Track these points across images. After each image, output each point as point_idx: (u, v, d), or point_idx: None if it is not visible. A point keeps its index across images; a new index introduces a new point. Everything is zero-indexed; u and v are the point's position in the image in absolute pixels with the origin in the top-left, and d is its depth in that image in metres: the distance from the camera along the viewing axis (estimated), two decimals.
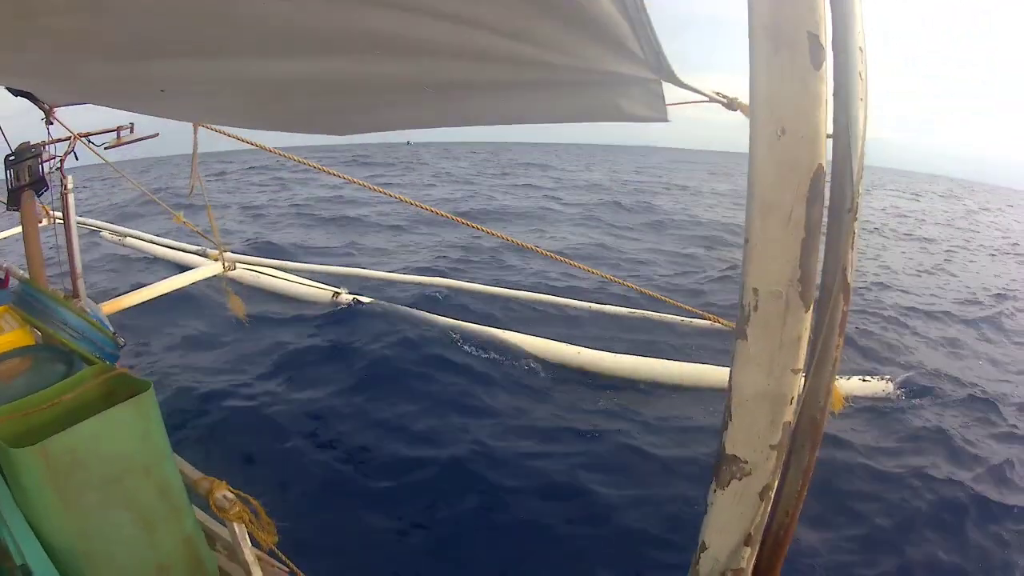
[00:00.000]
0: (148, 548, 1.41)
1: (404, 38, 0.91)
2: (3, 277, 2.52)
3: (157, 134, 3.21)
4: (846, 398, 4.08)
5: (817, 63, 0.73)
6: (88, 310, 2.11)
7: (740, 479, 0.81)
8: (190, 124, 2.33)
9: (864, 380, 4.33)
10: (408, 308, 5.11)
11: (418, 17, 0.87)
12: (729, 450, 0.79)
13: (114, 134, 3.02)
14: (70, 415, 1.35)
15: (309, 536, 2.49)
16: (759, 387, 0.76)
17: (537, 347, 4.51)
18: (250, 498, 1.51)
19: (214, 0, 0.90)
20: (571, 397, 4.11)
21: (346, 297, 5.26)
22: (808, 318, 0.75)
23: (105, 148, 3.01)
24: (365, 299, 5.25)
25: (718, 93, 0.95)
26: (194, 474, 1.55)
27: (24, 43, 1.13)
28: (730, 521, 0.83)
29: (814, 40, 0.73)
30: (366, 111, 1.37)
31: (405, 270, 6.37)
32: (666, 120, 1.09)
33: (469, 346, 4.63)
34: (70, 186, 3.14)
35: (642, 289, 3.85)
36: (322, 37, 0.93)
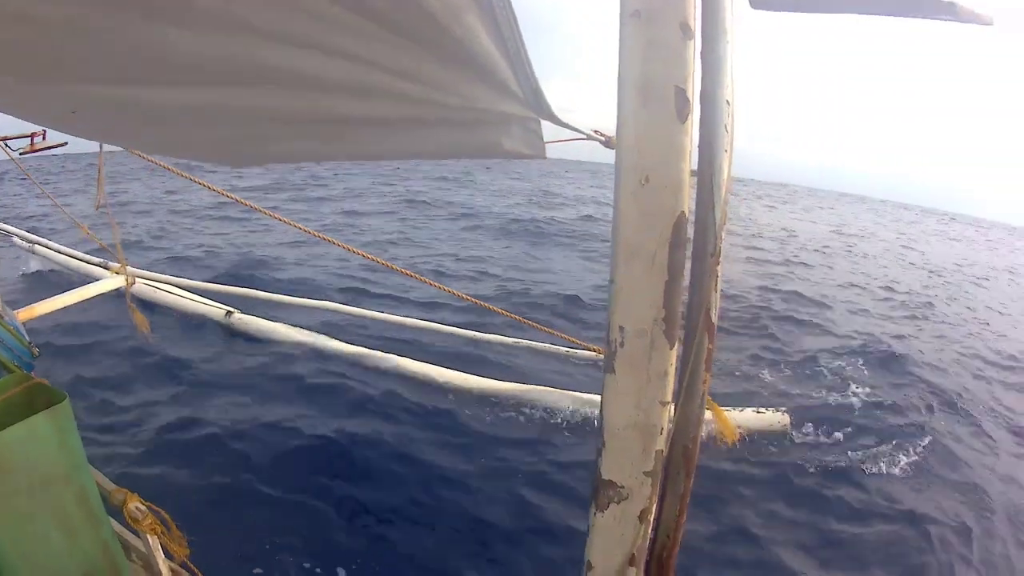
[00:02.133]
0: (72, 555, 1.47)
1: (294, 73, 0.97)
2: None
3: (66, 143, 3.24)
4: (740, 429, 4.12)
5: (683, 116, 0.78)
6: (4, 316, 2.16)
7: (618, 503, 0.86)
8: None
9: (759, 412, 4.30)
10: (299, 329, 5.18)
11: (309, 53, 0.93)
12: (605, 475, 0.85)
13: (28, 140, 3.06)
14: None
15: (221, 549, 2.57)
16: (629, 418, 0.81)
17: (427, 373, 4.61)
18: (161, 510, 1.56)
19: (111, 28, 0.93)
20: (472, 422, 4.20)
21: (239, 316, 5.32)
22: (673, 355, 0.80)
23: (21, 154, 3.07)
24: (258, 319, 5.33)
25: (596, 131, 1.00)
26: (108, 485, 1.59)
27: None
28: (612, 542, 0.88)
29: (680, 94, 0.78)
30: (258, 143, 1.43)
31: (303, 291, 6.36)
32: (544, 157, 1.15)
33: (358, 370, 4.72)
34: None
35: (529, 322, 4.07)
36: (217, 68, 0.98)
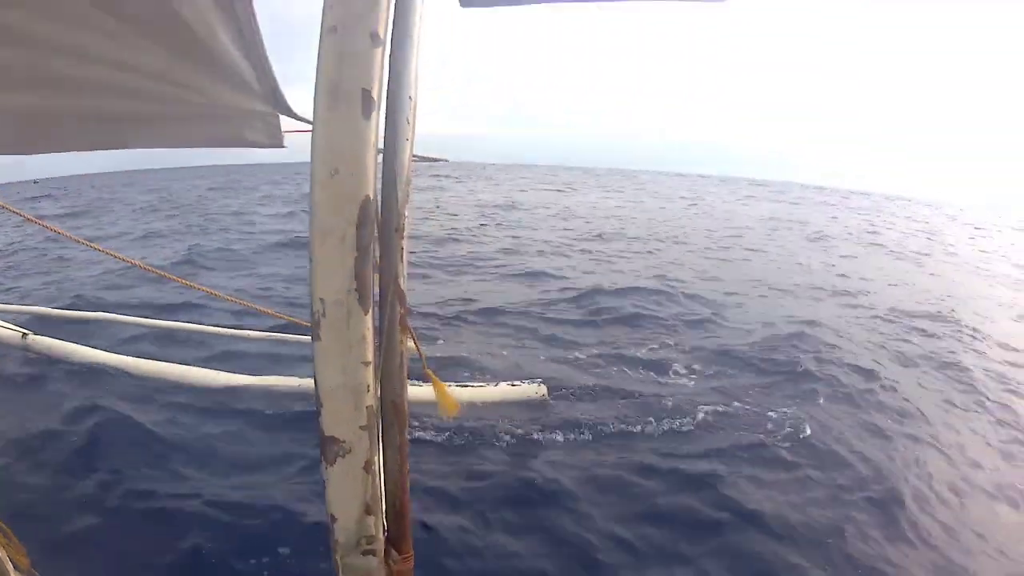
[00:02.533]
0: None
1: (71, 78, 1.11)
2: None
3: None
4: (497, 403, 4.42)
5: (367, 114, 0.91)
6: None
7: (344, 456, 0.97)
8: None
9: (513, 385, 4.47)
10: (96, 349, 5.27)
11: (82, 61, 1.06)
12: (328, 432, 0.96)
13: None
14: None
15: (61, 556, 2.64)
16: (338, 379, 0.93)
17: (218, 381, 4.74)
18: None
19: None
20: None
21: (35, 338, 5.28)
22: (369, 320, 0.92)
23: None
24: (55, 340, 5.34)
25: None
26: None
27: None
28: (347, 494, 0.99)
29: (367, 95, 0.91)
30: (46, 136, 1.55)
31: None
32: (283, 147, 1.30)
33: (152, 385, 4.86)
34: None
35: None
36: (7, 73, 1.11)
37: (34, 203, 23.00)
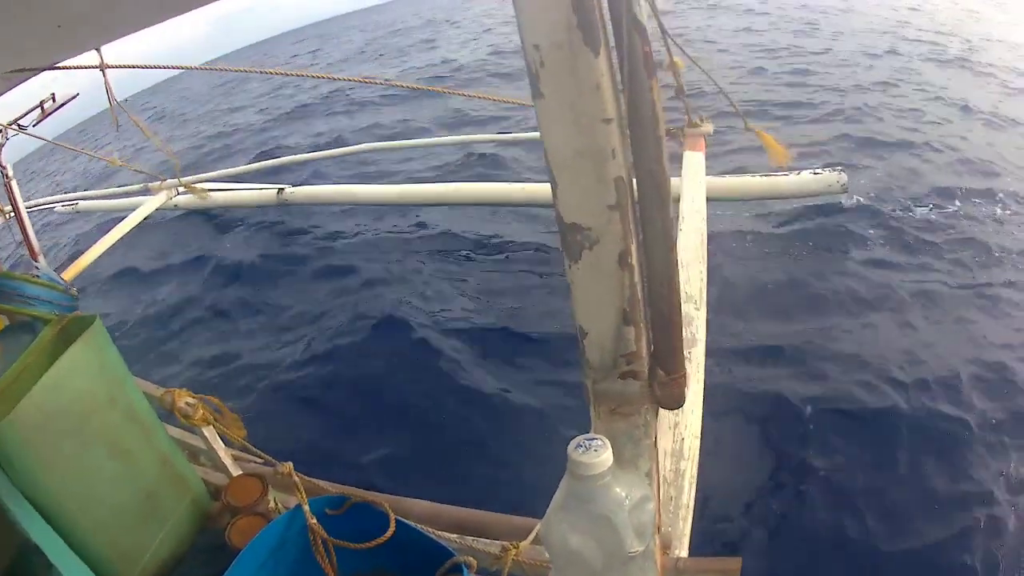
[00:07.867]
0: (130, 478, 1.52)
1: None
2: None
3: (77, 94, 3.34)
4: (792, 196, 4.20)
5: None
6: (37, 273, 2.32)
7: (591, 248, 0.79)
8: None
9: (816, 173, 4.07)
10: (345, 186, 5.40)
11: None
12: (568, 219, 0.78)
13: (38, 110, 3.12)
14: (37, 375, 1.41)
15: (278, 433, 2.68)
16: (572, 144, 0.75)
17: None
18: (211, 397, 1.61)
19: None
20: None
21: (291, 191, 5.22)
22: (601, 63, 0.73)
23: (34, 126, 3.15)
24: (308, 187, 5.38)
25: None
26: (156, 391, 1.64)
27: None
28: (598, 298, 0.81)
29: None
30: None
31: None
32: None
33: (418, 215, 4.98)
34: (11, 174, 3.34)
35: None
36: None
37: None
